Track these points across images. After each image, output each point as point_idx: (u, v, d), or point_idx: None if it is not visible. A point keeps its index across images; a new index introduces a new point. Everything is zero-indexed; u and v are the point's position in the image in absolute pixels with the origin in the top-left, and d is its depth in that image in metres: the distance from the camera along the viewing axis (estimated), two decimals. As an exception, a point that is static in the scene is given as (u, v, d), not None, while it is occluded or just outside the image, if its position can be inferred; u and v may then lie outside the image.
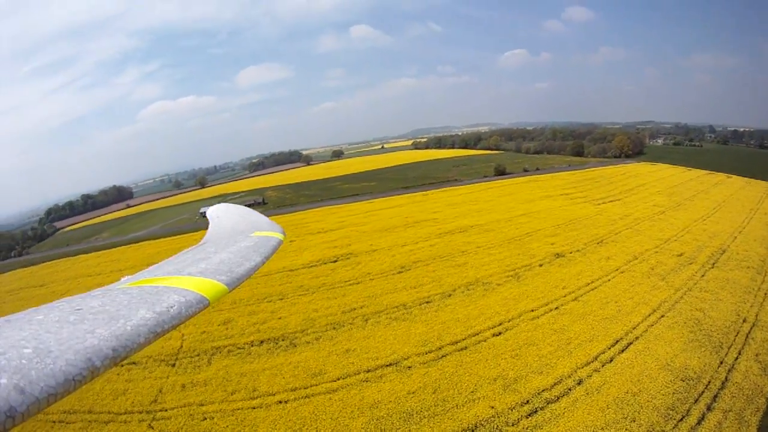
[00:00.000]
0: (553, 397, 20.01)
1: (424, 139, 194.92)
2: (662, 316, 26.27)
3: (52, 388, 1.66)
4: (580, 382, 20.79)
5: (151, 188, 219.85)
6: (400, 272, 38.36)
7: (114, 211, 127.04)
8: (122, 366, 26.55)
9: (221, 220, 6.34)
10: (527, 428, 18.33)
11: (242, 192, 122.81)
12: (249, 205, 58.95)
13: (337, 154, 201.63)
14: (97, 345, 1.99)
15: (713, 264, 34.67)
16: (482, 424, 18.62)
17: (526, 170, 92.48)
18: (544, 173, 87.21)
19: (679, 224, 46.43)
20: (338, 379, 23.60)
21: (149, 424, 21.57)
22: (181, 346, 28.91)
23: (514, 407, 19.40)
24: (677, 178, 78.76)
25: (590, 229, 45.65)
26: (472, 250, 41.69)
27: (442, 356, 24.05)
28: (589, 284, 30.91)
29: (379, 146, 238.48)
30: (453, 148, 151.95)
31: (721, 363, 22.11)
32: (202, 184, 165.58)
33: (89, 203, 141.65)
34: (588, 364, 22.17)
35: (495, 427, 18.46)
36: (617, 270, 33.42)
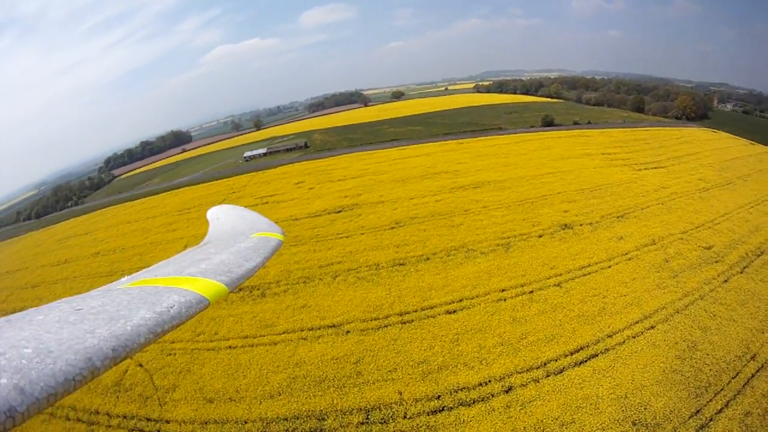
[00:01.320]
0: (464, 401, 18.69)
1: (487, 83, 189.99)
2: (651, 328, 22.07)
3: (52, 388, 1.72)
4: (492, 396, 18.77)
5: (212, 131, 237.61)
6: (392, 228, 38.58)
7: (169, 157, 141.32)
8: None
9: (221, 221, 6.52)
10: (420, 427, 17.79)
11: (291, 135, 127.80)
12: (290, 149, 75.10)
13: (397, 96, 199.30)
14: (97, 345, 2.05)
15: (743, 268, 28.58)
16: (381, 408, 18.80)
17: (576, 123, 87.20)
18: (594, 128, 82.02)
19: (720, 207, 39.29)
20: (282, 333, 25.87)
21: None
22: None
23: (420, 400, 19.00)
24: (735, 150, 67.13)
25: (616, 198, 40.75)
26: (475, 209, 39.86)
27: (383, 326, 24.62)
28: (583, 268, 27.82)
29: (443, 88, 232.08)
30: (514, 93, 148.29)
31: (695, 413, 17.70)
32: (258, 126, 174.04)
33: (147, 150, 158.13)
34: (526, 371, 19.87)
35: (391, 414, 18.48)
36: (625, 255, 29.38)
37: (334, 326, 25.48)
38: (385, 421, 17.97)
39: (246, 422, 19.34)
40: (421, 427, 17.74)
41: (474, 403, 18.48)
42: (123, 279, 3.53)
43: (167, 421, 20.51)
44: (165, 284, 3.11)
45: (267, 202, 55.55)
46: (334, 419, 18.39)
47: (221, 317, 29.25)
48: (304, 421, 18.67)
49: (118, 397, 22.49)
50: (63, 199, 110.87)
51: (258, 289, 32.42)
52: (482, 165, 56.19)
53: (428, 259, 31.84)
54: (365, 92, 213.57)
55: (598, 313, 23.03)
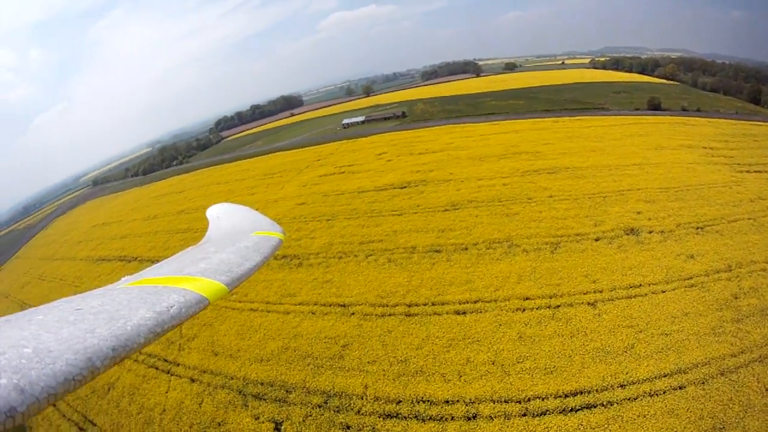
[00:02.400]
0: (420, 414, 17.99)
1: (603, 59, 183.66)
2: (680, 388, 17.27)
3: (52, 388, 1.78)
4: (452, 418, 17.56)
5: (326, 95, 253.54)
6: (445, 210, 37.45)
7: (277, 120, 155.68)
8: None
9: (221, 220, 6.73)
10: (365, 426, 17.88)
11: (395, 103, 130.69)
12: (387, 118, 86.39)
13: (510, 67, 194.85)
14: (97, 345, 2.13)
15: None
16: (341, 397, 19.32)
17: (684, 109, 78.40)
18: (702, 116, 72.73)
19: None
20: (298, 305, 27.91)
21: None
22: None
23: (380, 399, 18.79)
24: None
25: (702, 204, 32.63)
26: (539, 198, 36.01)
27: (387, 315, 24.76)
28: (630, 288, 23.07)
29: (560, 62, 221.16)
30: (629, 71, 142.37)
31: None
32: (367, 93, 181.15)
33: (257, 113, 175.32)
34: (501, 402, 17.83)
35: (348, 405, 18.94)
36: (688, 280, 23.28)
37: (343, 306, 26.61)
38: (338, 411, 18.50)
39: (232, 378, 22.07)
40: (366, 426, 17.82)
41: (430, 419, 17.64)
42: (123, 279, 3.72)
43: (177, 364, 24.32)
44: (165, 284, 3.23)
45: (343, 172, 58.34)
46: (297, 395, 19.60)
47: (256, 280, 32.67)
48: (274, 390, 20.33)
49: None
50: (168, 159, 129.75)
51: (297, 259, 35.17)
52: (568, 148, 50.28)
53: (466, 249, 30.32)
54: (480, 62, 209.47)
55: (623, 351, 19.08)
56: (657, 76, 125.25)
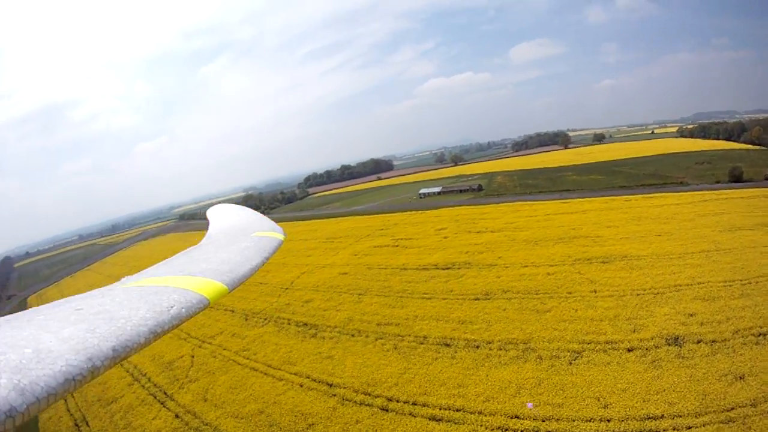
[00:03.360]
0: None
1: (691, 126, 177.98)
2: None
3: (52, 388, 1.82)
4: None
5: (418, 161, 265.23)
6: (476, 299, 36.47)
7: (361, 183, 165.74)
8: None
9: (222, 220, 6.83)
10: None
11: (476, 174, 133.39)
12: (463, 191, 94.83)
13: (599, 138, 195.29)
14: (97, 345, 2.18)
15: None
16: None
17: (767, 178, 70.37)
18: None
19: None
20: (293, 374, 30.13)
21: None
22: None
23: None
24: None
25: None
26: (581, 293, 33.09)
27: (363, 404, 25.20)
28: (647, 419, 19.44)
29: (650, 131, 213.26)
30: (716, 138, 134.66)
31: None
32: (455, 162, 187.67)
33: (346, 173, 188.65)
34: None
35: None
36: (728, 411, 18.90)
37: (329, 385, 27.86)
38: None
39: (206, 425, 26.78)
40: None
41: None
42: (124, 279, 3.83)
43: (172, 399, 30.73)
44: (165, 284, 3.32)
45: (397, 245, 60.27)
46: None
47: (271, 342, 35.57)
48: None
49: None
50: (251, 207, 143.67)
51: (315, 329, 37.12)
52: (632, 232, 46.39)
53: (477, 347, 28.95)
54: (570, 133, 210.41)
55: None
56: (743, 142, 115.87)
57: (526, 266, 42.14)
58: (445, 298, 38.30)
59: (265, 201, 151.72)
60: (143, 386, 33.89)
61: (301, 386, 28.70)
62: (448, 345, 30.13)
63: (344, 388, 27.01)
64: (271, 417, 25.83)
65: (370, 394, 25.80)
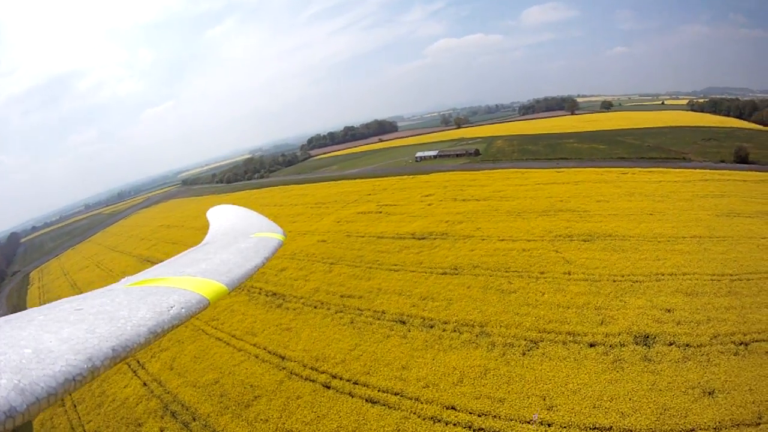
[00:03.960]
0: None
1: (702, 100, 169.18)
2: None
3: (52, 388, 1.80)
4: None
5: (424, 123, 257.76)
6: (443, 273, 34.90)
7: (362, 145, 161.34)
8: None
9: (221, 221, 6.81)
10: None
11: (477, 138, 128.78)
12: (459, 155, 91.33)
13: (606, 106, 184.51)
14: (97, 345, 2.16)
15: None
16: None
17: None
18: None
19: None
20: (252, 345, 29.52)
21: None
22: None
23: None
24: None
25: (762, 305, 24.34)
26: (553, 274, 31.13)
27: (308, 379, 24.86)
28: (590, 428, 17.86)
29: (660, 102, 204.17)
30: (727, 115, 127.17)
31: None
32: (458, 125, 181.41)
33: (349, 135, 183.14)
34: None
35: None
36: None
37: (281, 357, 27.85)
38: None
39: (167, 393, 27.27)
40: None
41: None
42: (123, 279, 3.81)
43: (143, 368, 31.07)
44: (165, 284, 3.30)
45: (381, 211, 58.49)
46: (197, 426, 19.99)
47: (240, 312, 34.73)
48: (186, 413, 20.99)
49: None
50: (251, 171, 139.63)
51: (282, 299, 36.27)
52: (623, 208, 43.24)
53: (431, 326, 27.50)
54: (580, 99, 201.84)
55: None
56: (753, 121, 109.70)
57: (503, 240, 40.08)
58: (413, 271, 36.80)
59: (265, 164, 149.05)
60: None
61: (257, 357, 28.50)
62: (403, 322, 28.85)
63: (294, 362, 26.69)
64: (224, 387, 25.87)
65: (316, 370, 25.31)
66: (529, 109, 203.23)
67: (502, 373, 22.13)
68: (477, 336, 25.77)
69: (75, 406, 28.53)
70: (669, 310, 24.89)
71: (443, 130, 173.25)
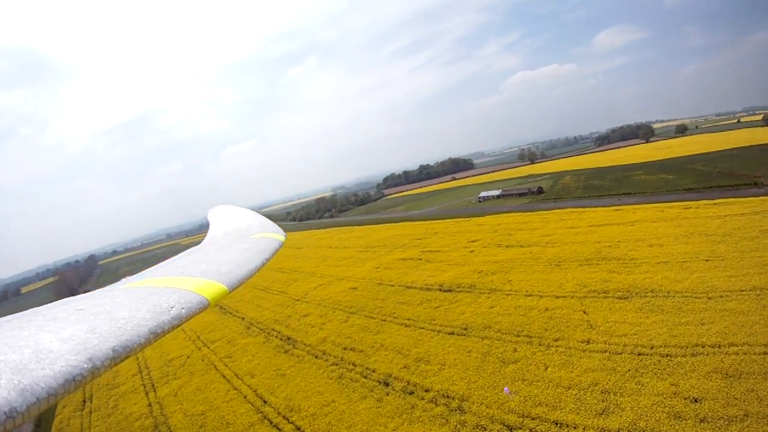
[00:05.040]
0: None
1: None
2: None
3: (52, 388, 1.76)
4: None
5: (502, 159, 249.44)
6: (450, 333, 31.81)
7: (435, 184, 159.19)
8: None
9: (222, 221, 6.74)
10: None
11: (545, 174, 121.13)
12: (522, 194, 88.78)
13: (681, 130, 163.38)
14: (97, 345, 2.12)
15: None
16: None
17: None
18: None
19: None
20: (248, 386, 28.46)
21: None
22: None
23: None
24: None
25: None
26: (568, 341, 26.26)
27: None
28: None
29: (736, 120, 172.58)
30: None
31: None
32: (531, 160, 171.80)
33: (424, 173, 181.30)
34: None
35: None
36: None
37: (264, 402, 27.99)
38: None
39: None
40: None
41: None
42: (124, 279, 3.81)
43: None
44: (165, 285, 3.25)
45: (421, 258, 56.48)
46: None
47: (252, 361, 35.10)
48: None
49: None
50: (322, 210, 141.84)
51: (292, 345, 36.58)
52: (676, 253, 35.93)
53: (411, 393, 24.94)
54: (656, 125, 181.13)
55: None
56: None
57: (530, 295, 35.58)
58: (421, 328, 34.26)
59: (337, 203, 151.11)
60: (142, 377, 38.27)
61: (245, 398, 29.22)
62: (386, 384, 26.78)
63: (272, 407, 26.90)
64: (206, 419, 27.49)
65: (287, 419, 25.26)
66: (605, 139, 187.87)
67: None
68: (451, 411, 22.66)
69: (91, 413, 32.82)
70: (696, 400, 19.03)
71: (516, 167, 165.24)
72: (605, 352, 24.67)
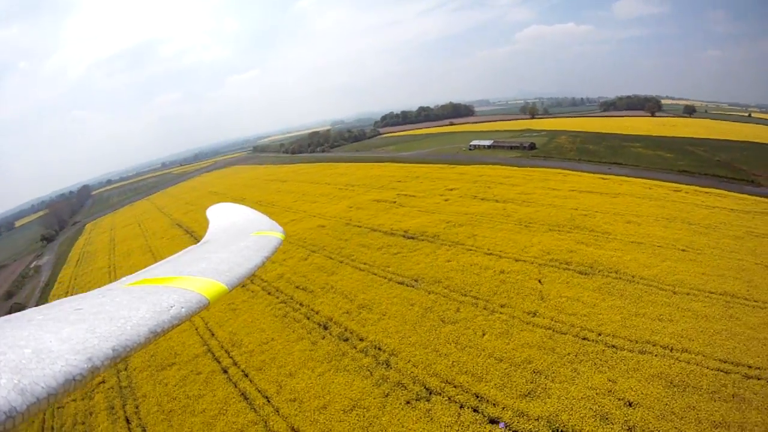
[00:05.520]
0: None
1: None
2: None
3: (52, 388, 1.74)
4: None
5: (502, 109, 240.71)
6: (400, 283, 31.28)
7: (431, 127, 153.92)
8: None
9: (221, 219, 6.60)
10: None
11: (542, 131, 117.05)
12: (513, 147, 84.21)
13: (689, 111, 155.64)
14: (97, 345, 2.08)
15: None
16: None
17: None
18: None
19: None
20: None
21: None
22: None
23: None
24: None
25: None
26: (513, 311, 25.38)
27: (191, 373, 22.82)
28: None
29: (747, 114, 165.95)
30: None
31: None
32: (532, 115, 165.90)
33: (422, 115, 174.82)
34: None
35: None
36: None
37: (212, 335, 26.84)
38: None
39: None
40: None
41: None
42: (123, 279, 3.71)
43: None
44: (165, 284, 3.21)
45: (394, 201, 55.01)
46: None
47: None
48: None
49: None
50: (315, 144, 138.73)
51: (249, 280, 35.43)
52: (653, 236, 33.99)
53: (346, 340, 24.75)
54: (665, 101, 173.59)
55: None
56: None
57: (490, 254, 34.52)
58: (374, 274, 33.67)
59: (330, 138, 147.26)
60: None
61: (196, 330, 29.36)
62: (325, 328, 26.70)
63: (217, 341, 27.25)
64: (158, 349, 27.79)
65: (227, 353, 25.72)
66: (611, 106, 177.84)
67: (367, 417, 18.80)
68: (378, 364, 22.41)
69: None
70: (630, 404, 17.23)
71: (515, 119, 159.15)
72: (549, 329, 23.29)
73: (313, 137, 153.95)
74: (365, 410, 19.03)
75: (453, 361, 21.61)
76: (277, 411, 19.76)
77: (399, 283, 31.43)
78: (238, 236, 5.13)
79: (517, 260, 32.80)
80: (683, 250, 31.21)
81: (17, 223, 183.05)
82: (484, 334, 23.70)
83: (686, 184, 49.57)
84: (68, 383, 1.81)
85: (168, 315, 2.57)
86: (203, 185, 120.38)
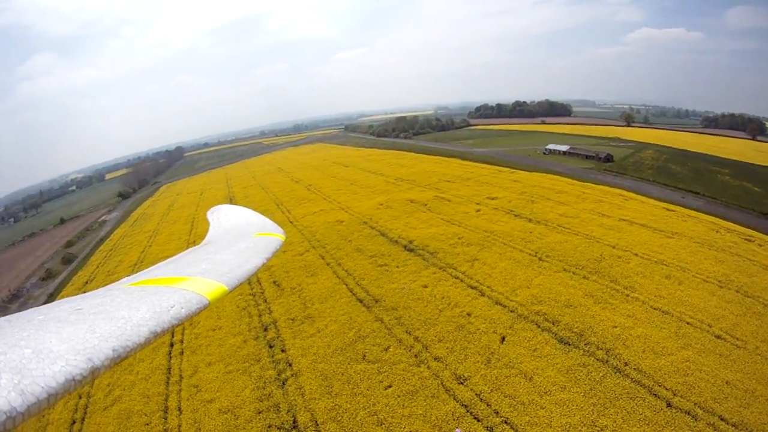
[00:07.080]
0: None
1: None
2: None
3: (52, 388, 1.69)
4: None
5: (605, 113, 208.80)
6: (359, 302, 29.20)
7: (521, 124, 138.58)
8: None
9: (222, 221, 6.47)
10: None
11: (631, 142, 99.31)
12: (588, 157, 77.71)
13: None
14: (97, 345, 2.02)
15: None
16: None
17: None
18: None
19: None
20: None
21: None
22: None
23: None
24: None
25: None
26: (463, 322, 21.78)
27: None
28: None
29: None
30: None
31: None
32: (627, 122, 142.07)
33: (517, 110, 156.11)
34: None
35: None
36: None
37: None
38: None
39: None
40: None
41: None
42: (123, 279, 3.70)
43: None
44: (165, 284, 3.15)
45: (426, 204, 51.21)
46: None
47: None
48: None
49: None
50: (399, 129, 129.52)
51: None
52: (693, 308, 24.62)
53: (271, 347, 24.11)
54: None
55: None
56: None
57: (474, 288, 29.11)
58: (345, 284, 31.73)
59: (415, 125, 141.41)
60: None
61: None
62: (266, 329, 26.74)
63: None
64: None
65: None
66: (712, 122, 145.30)
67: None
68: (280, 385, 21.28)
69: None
70: None
71: (609, 125, 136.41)
72: (465, 406, 19.62)
73: (400, 122, 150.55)
74: None
75: (332, 408, 19.42)
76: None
77: (359, 300, 29.29)
78: (238, 237, 4.92)
79: (497, 303, 27.17)
80: (718, 337, 22.19)
81: (107, 176, 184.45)
82: (388, 387, 20.36)
83: (765, 233, 36.93)
84: (68, 383, 1.75)
85: (168, 315, 2.47)
86: (276, 161, 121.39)
